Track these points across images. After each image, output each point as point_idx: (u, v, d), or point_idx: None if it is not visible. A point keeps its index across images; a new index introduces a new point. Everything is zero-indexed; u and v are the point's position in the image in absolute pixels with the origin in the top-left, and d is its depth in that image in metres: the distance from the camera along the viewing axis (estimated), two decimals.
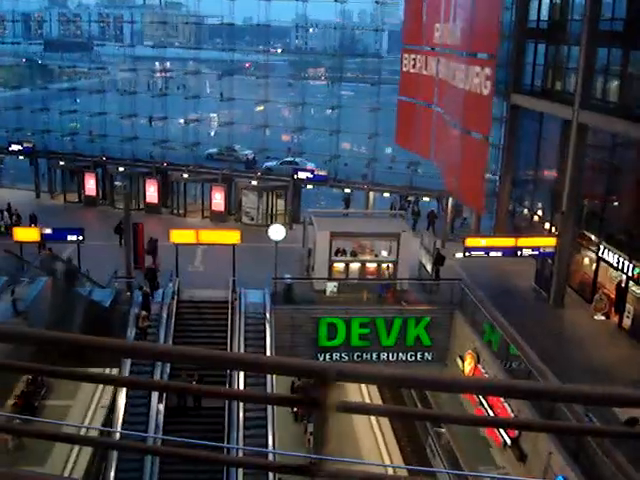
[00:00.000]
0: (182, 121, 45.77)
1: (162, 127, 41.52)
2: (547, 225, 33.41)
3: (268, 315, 24.42)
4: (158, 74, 70.38)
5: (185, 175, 36.28)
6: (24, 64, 59.87)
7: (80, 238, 25.76)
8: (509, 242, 26.27)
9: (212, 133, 58.25)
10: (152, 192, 36.50)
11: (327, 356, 26.19)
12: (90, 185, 37.52)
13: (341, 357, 26.21)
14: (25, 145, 39.06)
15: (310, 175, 34.46)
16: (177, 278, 25.69)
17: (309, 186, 35.29)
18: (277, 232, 26.01)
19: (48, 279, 19.08)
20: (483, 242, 26.04)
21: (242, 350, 23.67)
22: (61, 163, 38.57)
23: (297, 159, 43.38)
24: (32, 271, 20.74)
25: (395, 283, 27.27)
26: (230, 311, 24.68)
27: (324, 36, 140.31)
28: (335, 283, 26.58)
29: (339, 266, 26.99)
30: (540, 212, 32.82)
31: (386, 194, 35.07)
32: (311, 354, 25.90)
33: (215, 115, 55.06)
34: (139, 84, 65.58)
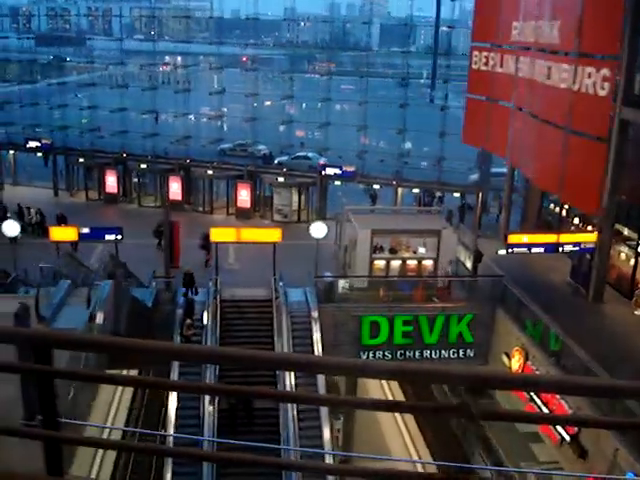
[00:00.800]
0: (192, 117, 45.47)
1: (172, 123, 41.20)
2: (576, 220, 33.63)
3: (314, 314, 24.18)
4: (161, 68, 69.97)
5: (210, 172, 35.88)
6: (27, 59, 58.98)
7: (119, 237, 25.34)
8: (551, 238, 26.28)
9: (225, 128, 57.89)
10: (176, 189, 36.06)
11: (370, 354, 26.05)
12: (111, 182, 37.04)
13: (384, 355, 26.09)
14: (43, 142, 38.45)
15: (338, 171, 34.22)
16: (217, 277, 25.40)
17: (337, 182, 35.03)
18: (319, 230, 25.81)
19: (112, 282, 18.76)
20: (525, 239, 25.97)
21: (290, 350, 23.49)
22: (80, 160, 38.03)
23: (309, 154, 43.03)
24: (88, 272, 20.36)
25: (437, 281, 27.21)
26: (275, 310, 24.44)
27: (315, 30, 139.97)
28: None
29: (380, 263, 26.81)
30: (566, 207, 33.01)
31: (415, 190, 34.94)
32: (354, 353, 25.75)
33: (225, 110, 54.64)
34: (135, 78, 65.30)
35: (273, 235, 25.64)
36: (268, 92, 51.89)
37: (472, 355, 26.68)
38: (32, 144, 38.94)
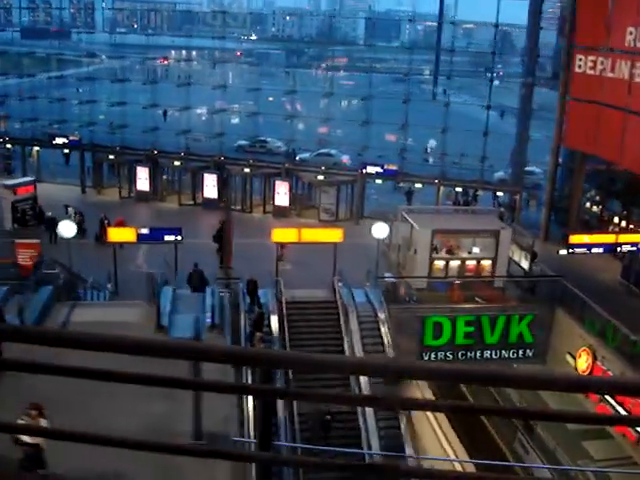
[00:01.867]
0: (199, 111, 45.02)
1: (183, 117, 40.69)
2: (616, 219, 34.03)
3: (382, 315, 24.10)
4: (159, 62, 69.28)
5: (247, 169, 35.56)
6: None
7: (179, 238, 24.97)
8: (610, 238, 26.55)
9: (235, 122, 57.49)
10: (211, 187, 35.66)
11: (432, 355, 26.06)
12: (142, 180, 36.50)
13: (446, 356, 26.13)
14: (71, 138, 37.75)
15: (380, 170, 34.11)
16: (279, 278, 25.14)
17: (378, 181, 34.92)
18: (380, 230, 25.74)
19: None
20: (586, 239, 26.16)
21: (361, 354, 23.33)
22: (110, 157, 37.41)
23: (332, 151, 42.85)
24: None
25: (492, 280, 27.30)
26: (340, 312, 24.29)
27: (301, 24, 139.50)
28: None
29: (439, 264, 26.79)
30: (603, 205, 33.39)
31: (459, 189, 34.98)
32: (417, 354, 25.76)
33: (237, 106, 54.26)
34: (134, 72, 64.57)
35: (335, 235, 25.46)
36: (274, 87, 51.39)
37: (531, 355, 26.87)
38: (59, 140, 38.13)
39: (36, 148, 39.59)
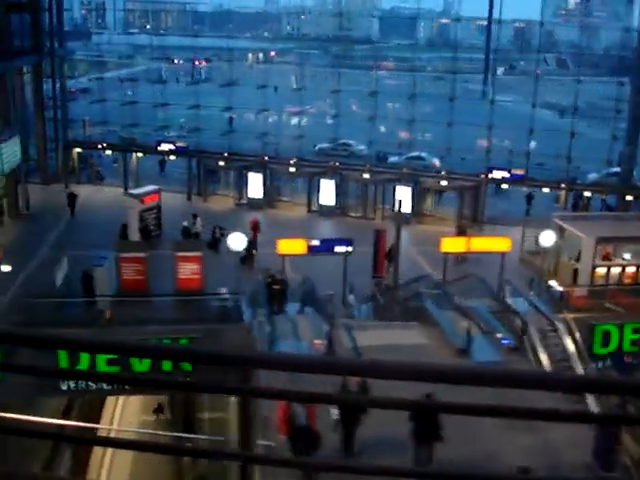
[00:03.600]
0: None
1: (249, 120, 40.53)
2: None
3: (560, 325, 24.08)
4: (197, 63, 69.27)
5: (366, 175, 35.56)
6: None
7: (349, 249, 24.93)
8: None
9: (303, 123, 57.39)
10: (328, 194, 35.67)
11: (599, 364, 26.06)
12: (255, 186, 36.41)
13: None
14: (178, 144, 37.55)
15: (506, 174, 34.13)
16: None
17: (504, 186, 34.95)
18: (548, 238, 25.81)
19: None
20: None
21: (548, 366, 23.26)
22: (221, 163, 37.28)
23: (422, 154, 42.70)
24: None
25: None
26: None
27: (316, 22, 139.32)
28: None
29: (601, 271, 26.88)
30: None
31: (587, 193, 35.07)
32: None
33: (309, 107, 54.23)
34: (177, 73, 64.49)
35: (503, 244, 25.47)
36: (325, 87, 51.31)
37: None
38: (164, 147, 37.94)
39: (139, 154, 39.34)
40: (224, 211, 36.34)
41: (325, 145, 47.67)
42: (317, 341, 14.99)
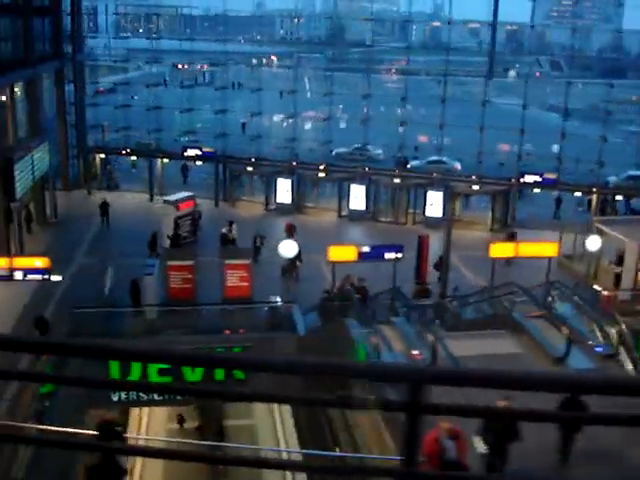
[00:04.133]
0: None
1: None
2: None
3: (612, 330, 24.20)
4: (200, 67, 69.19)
5: (396, 180, 35.65)
6: None
7: (399, 255, 24.89)
8: None
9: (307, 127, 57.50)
10: (358, 198, 35.68)
11: None
12: (284, 192, 36.31)
13: None
14: (205, 150, 37.35)
15: (538, 179, 34.29)
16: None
17: (536, 190, 35.10)
18: (595, 242, 25.94)
19: None
20: None
21: None
22: (249, 169, 37.14)
23: (444, 158, 42.78)
24: None
25: None
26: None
27: (310, 26, 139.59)
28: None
29: None
30: None
31: (619, 197, 35.33)
32: None
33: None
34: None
35: (551, 249, 25.54)
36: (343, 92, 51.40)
37: None
38: (191, 152, 37.73)
39: (165, 160, 39.11)
40: (254, 217, 36.17)
41: (343, 150, 47.72)
42: (415, 352, 14.91)
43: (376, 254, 25.39)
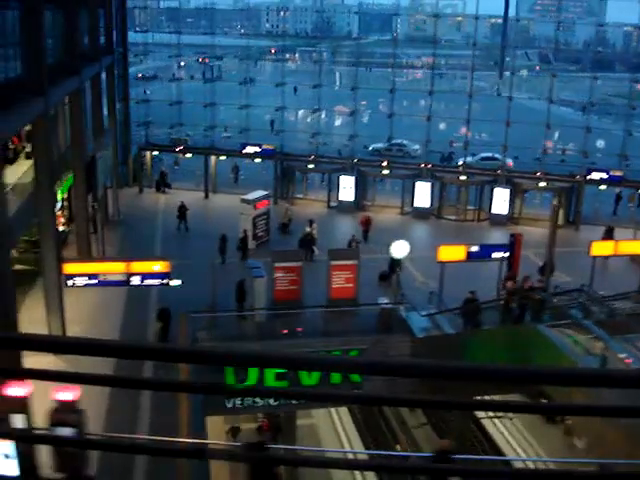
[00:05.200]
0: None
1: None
2: None
3: None
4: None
5: (463, 177, 35.64)
6: None
7: (506, 255, 25.01)
8: None
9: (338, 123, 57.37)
10: (423, 196, 35.74)
11: None
12: (346, 189, 36.24)
13: None
14: (264, 147, 36.90)
15: (604, 175, 34.68)
16: None
17: (602, 187, 35.46)
18: None
19: None
20: None
21: None
22: (310, 166, 36.84)
23: (496, 154, 43.05)
24: None
25: None
26: None
27: (295, 19, 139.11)
28: None
29: None
30: None
31: None
32: None
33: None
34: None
35: None
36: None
37: None
38: (249, 149, 37.24)
39: (222, 157, 38.58)
40: (317, 215, 35.88)
41: (379, 145, 47.51)
42: (621, 355, 14.89)
43: (485, 253, 25.47)
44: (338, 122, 58.40)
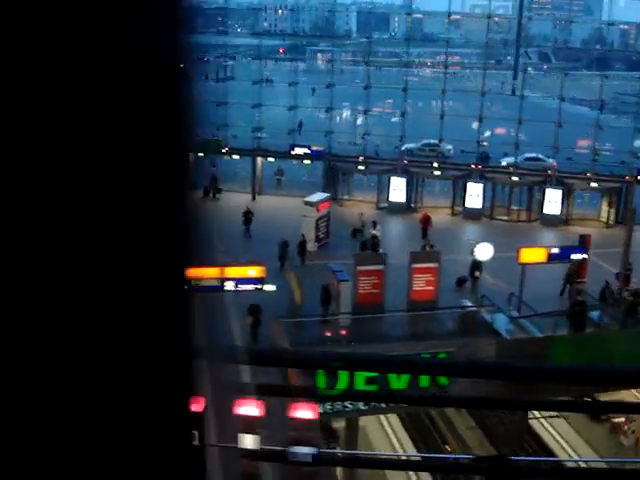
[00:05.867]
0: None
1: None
2: None
3: None
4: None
5: (515, 178, 35.98)
6: None
7: (585, 256, 25.34)
8: None
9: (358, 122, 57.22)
10: (475, 196, 36.01)
11: None
12: (397, 190, 36.47)
13: None
14: (314, 149, 36.95)
15: None
16: None
17: None
18: None
19: None
20: None
21: None
22: (360, 167, 36.97)
23: (540, 155, 42.92)
24: None
25: None
26: None
27: (291, 18, 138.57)
28: None
29: None
30: None
31: None
32: None
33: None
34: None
35: None
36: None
37: None
38: (299, 151, 37.27)
39: (270, 159, 38.56)
40: (370, 216, 35.95)
41: (412, 145, 47.45)
42: None
43: (564, 255, 25.78)
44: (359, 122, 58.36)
